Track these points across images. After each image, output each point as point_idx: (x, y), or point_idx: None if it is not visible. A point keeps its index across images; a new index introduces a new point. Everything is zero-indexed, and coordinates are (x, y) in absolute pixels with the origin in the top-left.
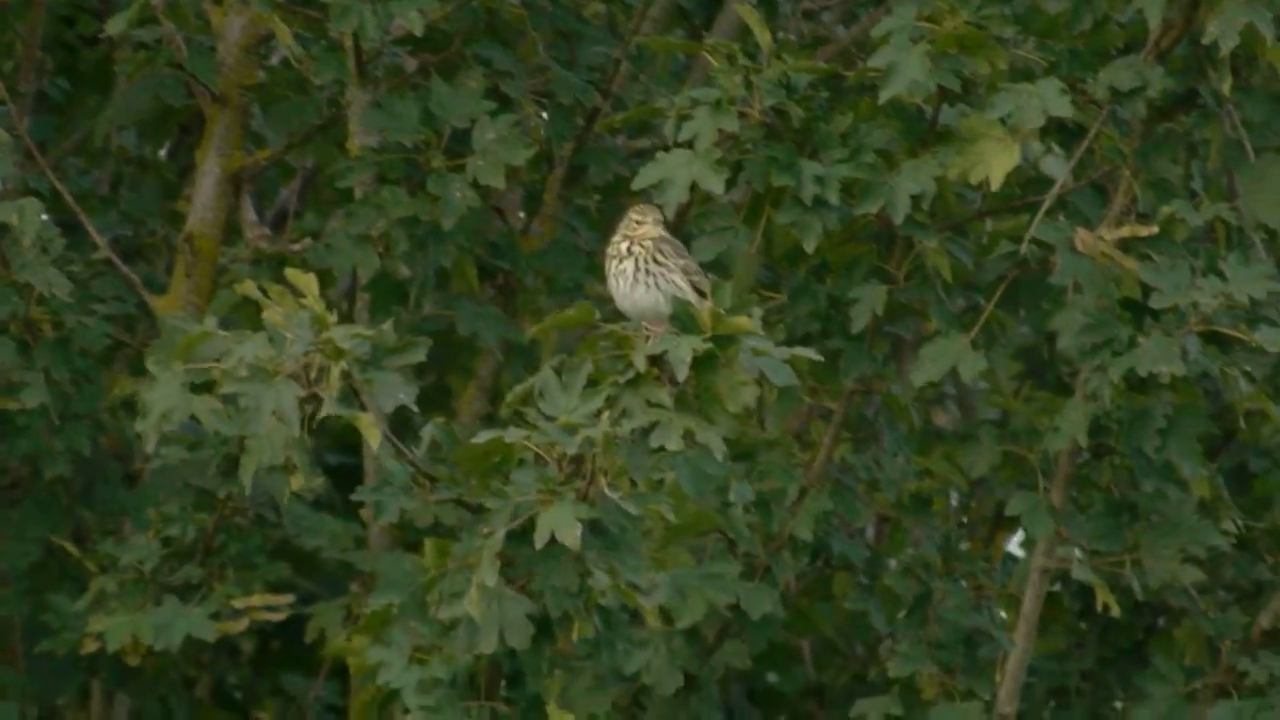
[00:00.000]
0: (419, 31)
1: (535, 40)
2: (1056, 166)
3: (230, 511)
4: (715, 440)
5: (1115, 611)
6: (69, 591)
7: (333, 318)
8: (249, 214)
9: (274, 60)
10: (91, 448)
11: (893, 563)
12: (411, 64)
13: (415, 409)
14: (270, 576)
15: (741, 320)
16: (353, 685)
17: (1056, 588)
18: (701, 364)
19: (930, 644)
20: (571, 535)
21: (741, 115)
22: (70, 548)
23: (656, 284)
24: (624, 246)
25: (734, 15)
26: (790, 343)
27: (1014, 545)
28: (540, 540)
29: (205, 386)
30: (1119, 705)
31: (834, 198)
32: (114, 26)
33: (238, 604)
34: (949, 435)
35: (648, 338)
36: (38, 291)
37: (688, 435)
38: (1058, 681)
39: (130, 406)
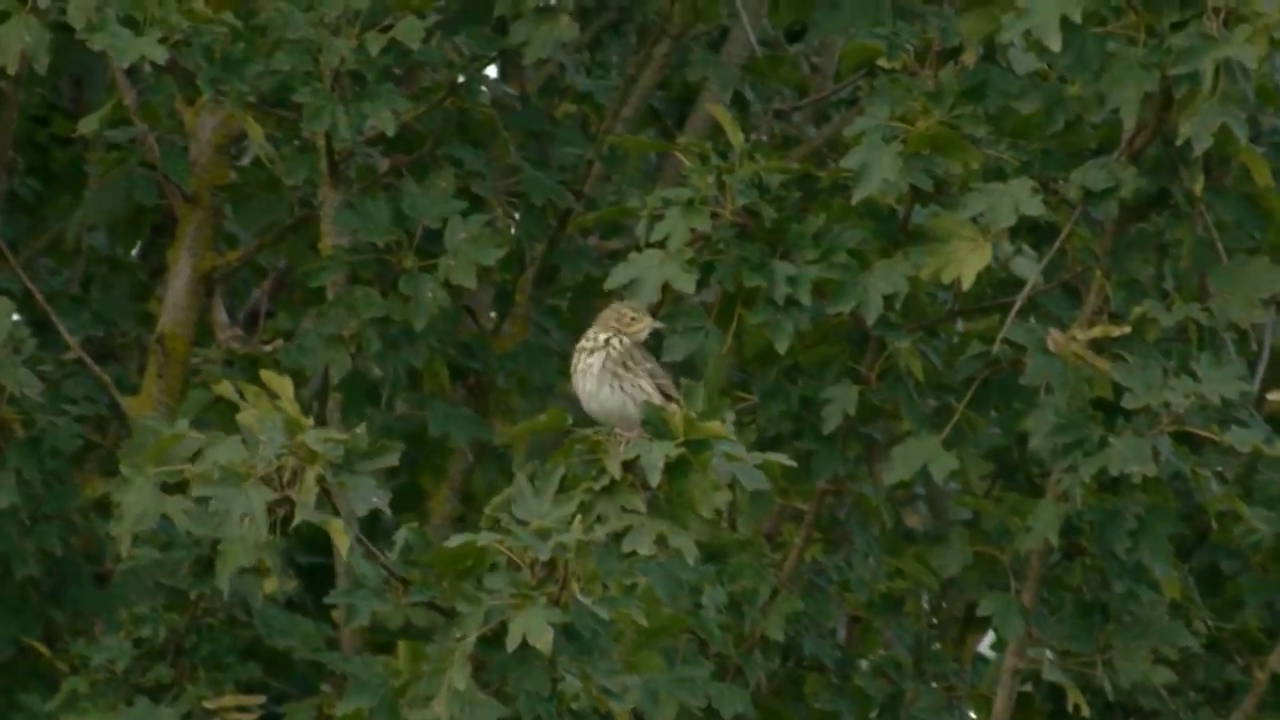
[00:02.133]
0: (391, 132)
1: (507, 140)
2: (1027, 267)
3: (202, 612)
4: (688, 545)
5: (1086, 712)
6: (40, 692)
7: (309, 421)
8: (221, 314)
9: (246, 160)
10: (63, 548)
11: (864, 663)
12: (384, 163)
13: (388, 512)
14: (242, 677)
15: (714, 425)
16: None
17: (1028, 688)
18: (675, 469)
19: None
20: (544, 639)
21: (714, 215)
22: (41, 648)
23: (622, 387)
24: (602, 339)
25: (706, 115)
26: (762, 443)
27: (985, 646)
28: (512, 644)
29: (178, 486)
30: None
31: (806, 298)
32: (86, 126)
33: (209, 705)
34: (920, 536)
35: (622, 443)
36: (9, 391)
37: (660, 540)
38: None
39: (102, 507)
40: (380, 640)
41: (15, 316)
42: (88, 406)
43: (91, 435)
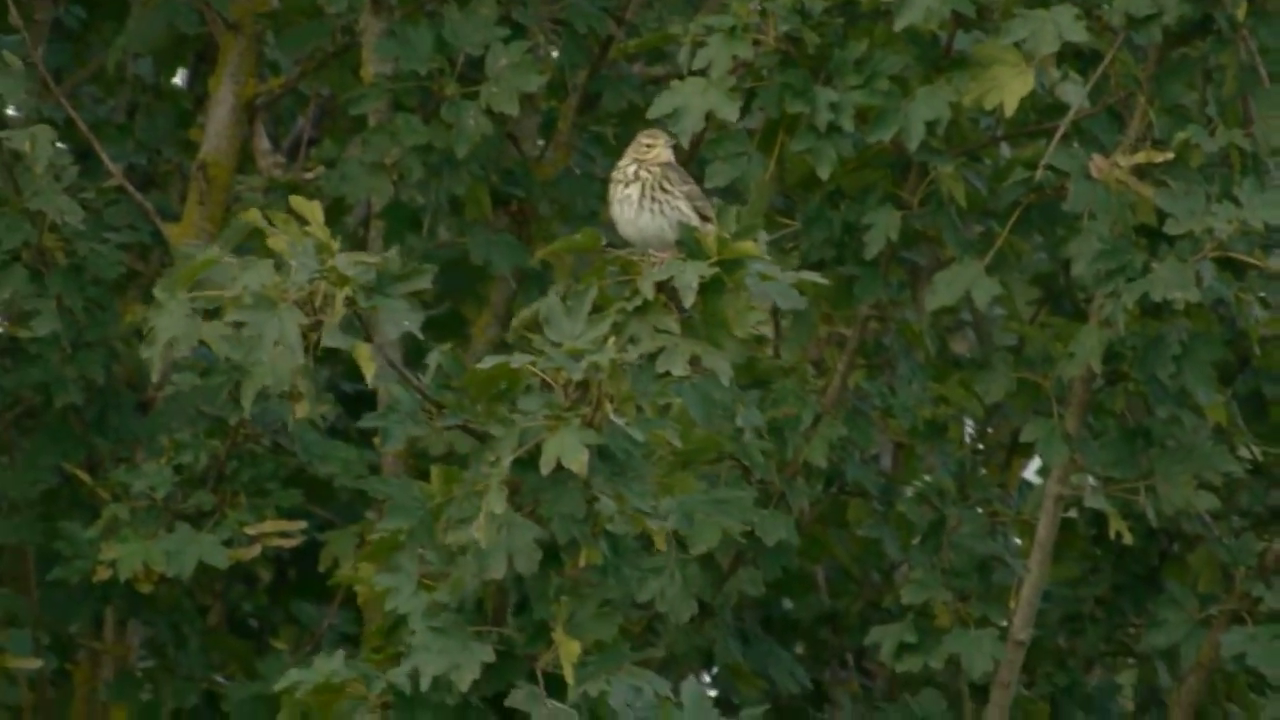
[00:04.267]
0: None
1: None
2: (1074, 93)
3: (243, 438)
4: (722, 365)
5: (1128, 539)
6: (81, 519)
7: (337, 244)
8: (262, 142)
9: None
10: (105, 376)
11: (908, 490)
12: None
13: (421, 335)
14: (283, 503)
15: (747, 245)
16: (364, 614)
17: (1072, 514)
18: (708, 289)
19: (945, 571)
20: (578, 461)
21: (756, 42)
22: (83, 475)
23: (662, 210)
24: (631, 170)
25: None
26: (805, 268)
27: (1030, 472)
28: (547, 466)
29: (217, 312)
30: (1133, 630)
31: (848, 124)
32: None
33: (250, 531)
34: (966, 362)
35: (654, 264)
36: (50, 219)
37: (694, 360)
38: (1072, 608)
39: (144, 334)
40: (424, 466)
41: (58, 144)
42: (129, 234)
43: (134, 263)
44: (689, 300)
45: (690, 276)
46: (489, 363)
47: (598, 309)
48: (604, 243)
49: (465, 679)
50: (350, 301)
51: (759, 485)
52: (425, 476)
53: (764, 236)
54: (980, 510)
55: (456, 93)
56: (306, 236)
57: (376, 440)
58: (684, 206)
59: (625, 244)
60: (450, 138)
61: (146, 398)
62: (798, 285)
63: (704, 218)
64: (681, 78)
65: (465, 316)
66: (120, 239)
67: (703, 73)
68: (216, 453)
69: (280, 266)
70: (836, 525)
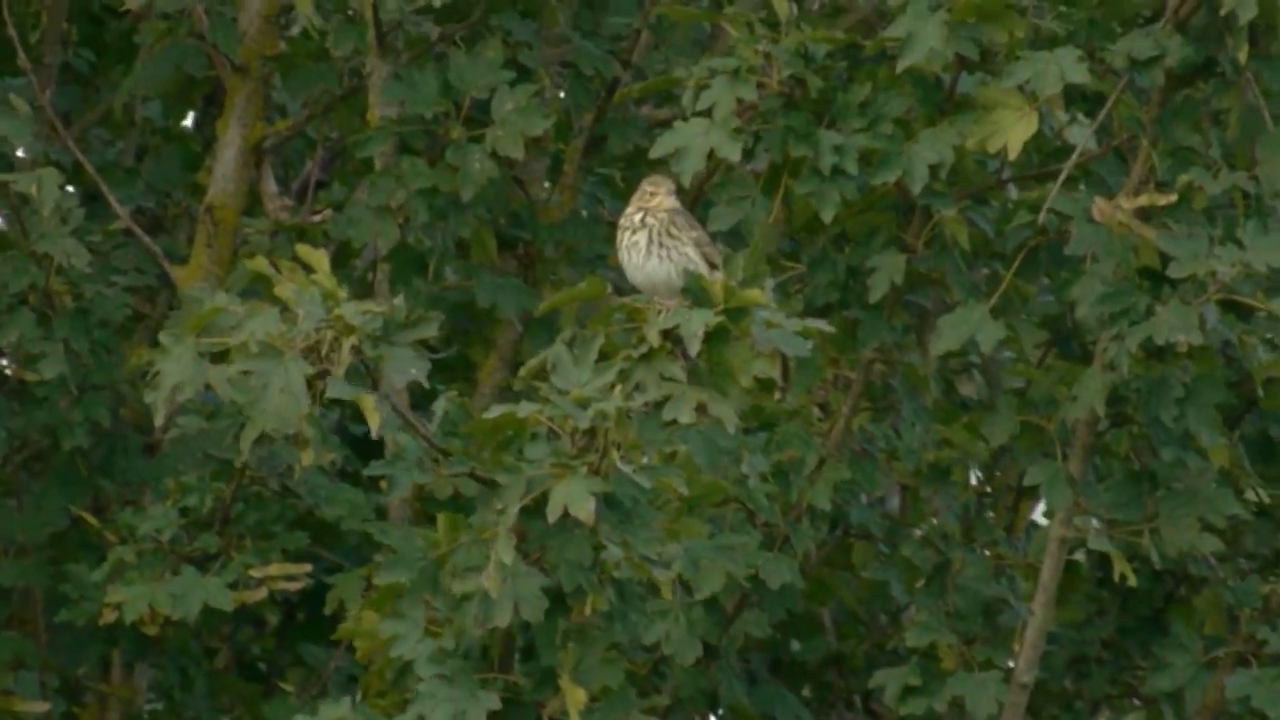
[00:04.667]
0: (438, 2)
1: (556, 10)
2: (1080, 136)
3: (249, 481)
4: (728, 413)
5: (1132, 581)
6: (88, 561)
7: (344, 292)
8: (270, 184)
9: (295, 30)
10: (111, 418)
11: (916, 532)
12: (435, 32)
13: (427, 384)
14: (289, 546)
15: (754, 293)
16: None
17: (1077, 556)
18: (714, 337)
19: (949, 614)
20: (585, 509)
21: (760, 85)
22: (89, 518)
23: (669, 256)
24: (637, 218)
25: None
26: (809, 312)
27: (1039, 514)
28: (553, 514)
29: (223, 355)
30: (1139, 673)
31: (852, 167)
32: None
33: (256, 573)
34: (972, 404)
35: (660, 311)
36: (57, 262)
37: (700, 408)
38: (1078, 650)
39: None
40: (431, 511)
41: (67, 188)
42: (136, 277)
43: (140, 306)
44: (695, 348)
45: (696, 324)
46: (495, 411)
47: (604, 356)
48: (609, 290)
49: None
50: (356, 350)
51: (764, 528)
52: (432, 521)
53: (770, 283)
54: (986, 553)
55: (462, 136)
56: (312, 284)
57: (383, 485)
58: (692, 253)
59: (634, 290)
60: (456, 181)
61: (153, 440)
62: (804, 331)
63: (711, 264)
64: (686, 119)
65: (472, 359)
66: (127, 282)
67: (706, 114)
68: (222, 495)
69: (286, 314)
70: (842, 568)
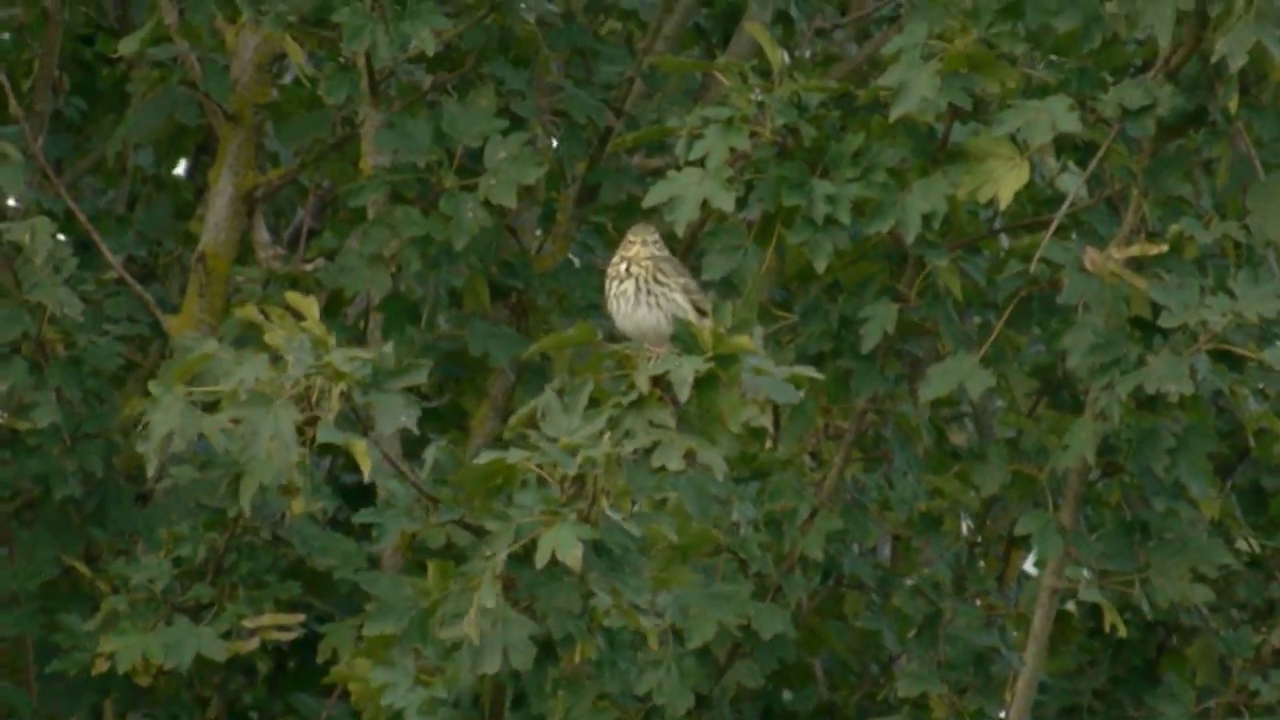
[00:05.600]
0: (431, 52)
1: (549, 59)
2: (1072, 185)
3: (241, 531)
4: (717, 460)
5: (1122, 631)
6: (81, 611)
7: (333, 339)
8: (262, 233)
9: (287, 79)
10: (104, 468)
11: (908, 582)
12: (427, 80)
13: (419, 432)
14: (281, 596)
15: (742, 340)
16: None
17: (1069, 606)
18: (703, 384)
19: (940, 663)
20: (573, 556)
21: (753, 134)
22: (82, 568)
23: (658, 303)
24: (623, 268)
25: (750, 34)
26: (802, 361)
27: (1030, 564)
28: (542, 561)
29: (215, 405)
30: None
31: (845, 217)
32: (127, 47)
33: (248, 623)
34: (964, 454)
35: (650, 358)
36: (49, 311)
37: (689, 455)
38: (1070, 700)
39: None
40: (423, 559)
41: (59, 236)
42: (129, 326)
43: (133, 355)
44: (684, 395)
45: (685, 371)
46: (485, 458)
47: (594, 403)
48: (600, 336)
49: None
50: (346, 397)
51: (756, 578)
52: (424, 569)
53: (759, 331)
54: (977, 603)
55: (455, 184)
56: (302, 332)
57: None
58: (680, 300)
59: (624, 338)
60: (449, 229)
61: (145, 490)
62: (793, 379)
63: (700, 311)
64: (679, 169)
65: (465, 408)
66: (120, 331)
67: (699, 163)
68: (215, 545)
69: (276, 361)
70: (834, 617)
